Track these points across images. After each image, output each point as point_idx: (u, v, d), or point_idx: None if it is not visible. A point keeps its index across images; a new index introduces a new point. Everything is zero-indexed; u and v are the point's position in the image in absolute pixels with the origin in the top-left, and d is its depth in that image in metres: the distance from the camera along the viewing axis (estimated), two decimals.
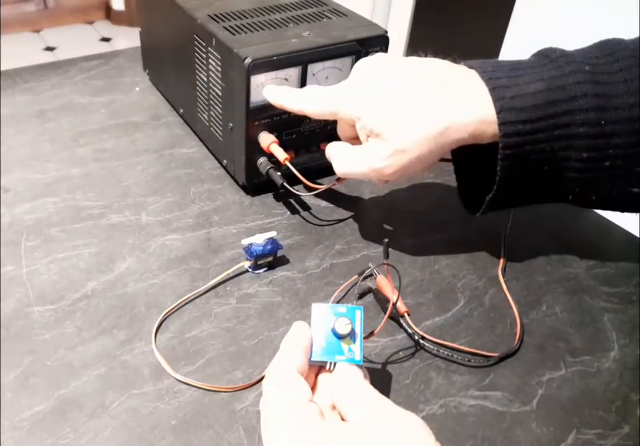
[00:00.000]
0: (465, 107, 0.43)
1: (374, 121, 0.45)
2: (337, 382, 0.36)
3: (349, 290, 0.51)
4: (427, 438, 0.32)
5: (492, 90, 0.42)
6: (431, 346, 0.46)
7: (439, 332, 0.47)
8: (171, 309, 0.48)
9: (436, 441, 0.32)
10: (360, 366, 0.37)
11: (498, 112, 0.42)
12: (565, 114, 0.41)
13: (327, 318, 0.38)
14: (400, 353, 0.46)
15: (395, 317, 0.48)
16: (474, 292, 0.51)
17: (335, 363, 0.37)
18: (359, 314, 0.38)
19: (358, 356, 0.37)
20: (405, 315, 0.47)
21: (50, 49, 2.82)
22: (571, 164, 0.43)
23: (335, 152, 0.51)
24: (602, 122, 0.41)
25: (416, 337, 0.46)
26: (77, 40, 2.91)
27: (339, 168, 0.50)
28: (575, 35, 1.05)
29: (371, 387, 0.35)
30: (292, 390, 0.34)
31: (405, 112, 0.44)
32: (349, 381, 0.35)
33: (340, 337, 0.37)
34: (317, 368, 0.38)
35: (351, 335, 0.37)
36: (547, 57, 0.44)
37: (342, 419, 0.34)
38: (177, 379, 0.43)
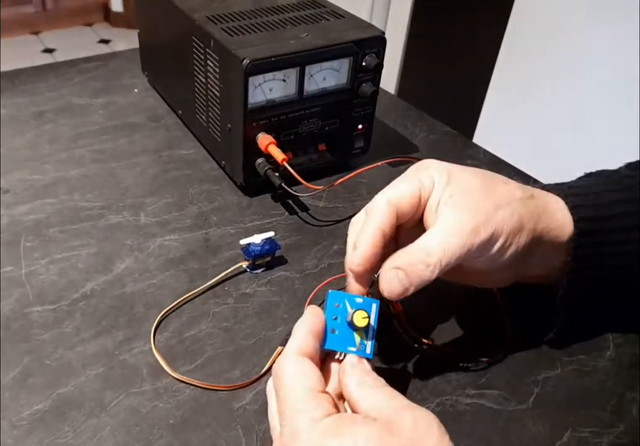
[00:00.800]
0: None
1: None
2: (348, 373, 0.35)
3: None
4: (438, 431, 0.32)
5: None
6: (423, 347, 0.46)
7: (432, 332, 0.48)
8: (170, 309, 0.48)
9: (446, 433, 0.32)
10: (369, 361, 0.37)
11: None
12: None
13: (343, 307, 0.37)
14: (397, 351, 0.46)
15: (390, 316, 0.48)
16: (468, 291, 0.51)
17: (345, 354, 0.37)
18: (374, 307, 0.38)
19: (369, 350, 0.37)
20: (401, 314, 0.47)
21: (49, 51, 2.83)
22: None
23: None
24: None
25: (405, 337, 0.46)
26: (76, 42, 2.91)
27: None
28: (575, 35, 1.06)
29: (382, 380, 0.35)
30: (308, 377, 0.34)
31: None
32: (360, 373, 0.35)
33: (354, 329, 0.37)
34: (325, 353, 0.38)
35: (365, 329, 0.37)
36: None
37: (353, 410, 0.34)
38: (176, 378, 0.43)
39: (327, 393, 0.34)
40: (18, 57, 2.49)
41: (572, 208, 0.42)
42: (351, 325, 0.37)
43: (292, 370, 0.34)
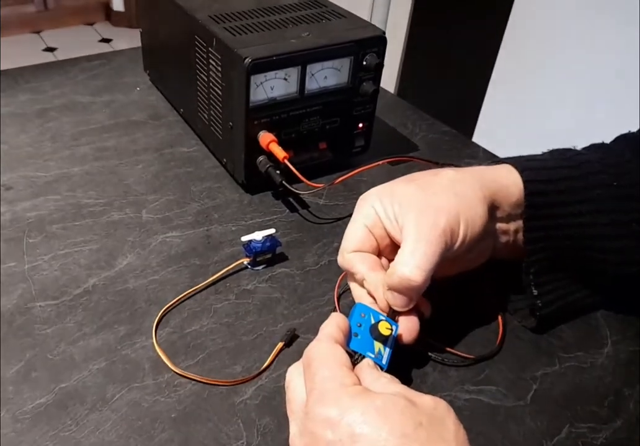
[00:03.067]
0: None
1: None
2: (365, 371, 0.37)
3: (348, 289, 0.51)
4: (454, 416, 0.33)
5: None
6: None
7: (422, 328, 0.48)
8: (171, 305, 0.49)
9: (460, 422, 0.33)
10: (383, 371, 0.38)
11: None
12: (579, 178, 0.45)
13: (368, 318, 0.40)
14: (397, 348, 0.46)
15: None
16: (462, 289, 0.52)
17: (362, 357, 0.38)
18: (395, 328, 0.41)
19: (385, 361, 0.39)
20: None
21: (50, 49, 2.83)
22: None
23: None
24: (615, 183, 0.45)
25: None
26: (77, 41, 2.92)
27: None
28: (575, 34, 1.06)
29: (397, 380, 0.36)
30: (339, 357, 0.36)
31: None
32: (376, 372, 0.37)
33: (375, 337, 0.39)
34: None
35: (385, 340, 0.40)
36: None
37: None
38: (177, 373, 0.43)
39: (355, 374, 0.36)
40: (19, 55, 2.49)
41: (525, 182, 0.44)
42: (374, 332, 0.39)
43: (325, 350, 0.36)
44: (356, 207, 0.45)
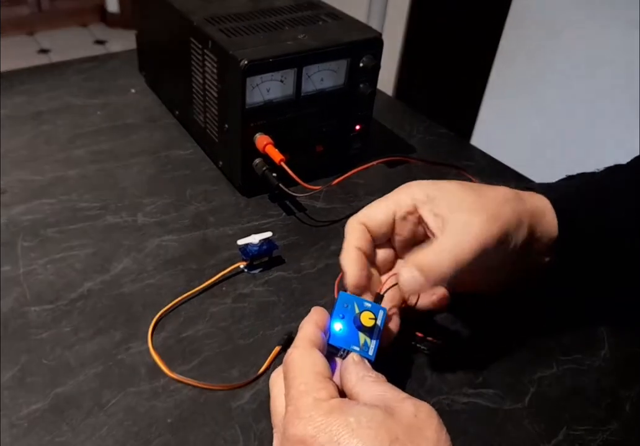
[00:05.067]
0: None
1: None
2: (350, 369, 0.36)
3: None
4: (437, 421, 0.32)
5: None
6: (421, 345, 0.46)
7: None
8: (167, 309, 0.48)
9: (444, 426, 0.32)
10: (370, 363, 0.38)
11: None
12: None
13: (352, 308, 0.39)
14: (395, 351, 0.46)
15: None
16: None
17: (348, 351, 0.38)
18: (381, 314, 0.39)
19: (372, 352, 0.38)
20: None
21: (44, 51, 2.82)
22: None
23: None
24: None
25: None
26: (72, 42, 2.91)
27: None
28: (572, 37, 1.06)
29: (383, 376, 0.36)
30: (316, 364, 0.35)
31: None
32: (362, 370, 0.36)
33: (360, 329, 0.38)
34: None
35: (370, 331, 0.38)
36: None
37: None
38: (173, 378, 0.43)
39: (333, 381, 0.35)
40: (13, 57, 2.48)
41: (558, 211, 0.44)
42: (358, 324, 0.38)
43: (301, 357, 0.35)
44: (395, 190, 0.44)
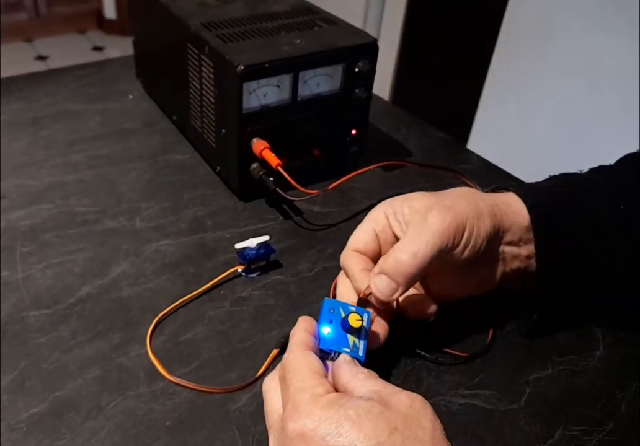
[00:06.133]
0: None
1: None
2: (342, 367, 0.37)
3: None
4: (431, 413, 0.33)
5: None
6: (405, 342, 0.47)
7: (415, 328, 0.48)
8: (165, 313, 0.49)
9: (438, 418, 0.33)
10: (361, 363, 0.38)
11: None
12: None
13: (337, 312, 0.40)
14: (392, 353, 0.47)
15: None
16: None
17: (339, 353, 0.38)
18: (366, 316, 0.40)
19: (361, 353, 0.39)
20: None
21: (42, 58, 2.83)
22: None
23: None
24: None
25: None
26: (69, 49, 2.92)
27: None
28: (567, 41, 1.07)
29: (375, 373, 0.37)
30: (312, 364, 0.36)
31: None
32: (354, 367, 0.37)
33: (348, 331, 0.39)
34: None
35: (358, 332, 0.39)
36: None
37: None
38: (172, 381, 0.43)
39: (328, 380, 0.36)
40: (11, 63, 2.49)
41: (529, 208, 0.45)
42: (345, 326, 0.39)
43: (297, 359, 0.36)
44: (371, 210, 0.47)
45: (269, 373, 0.44)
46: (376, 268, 0.42)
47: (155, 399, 0.42)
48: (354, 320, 0.39)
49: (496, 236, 0.44)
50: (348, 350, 0.38)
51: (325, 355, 0.39)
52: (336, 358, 0.38)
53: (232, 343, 0.47)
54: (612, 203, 0.46)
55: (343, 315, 0.40)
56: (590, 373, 0.46)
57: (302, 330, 0.39)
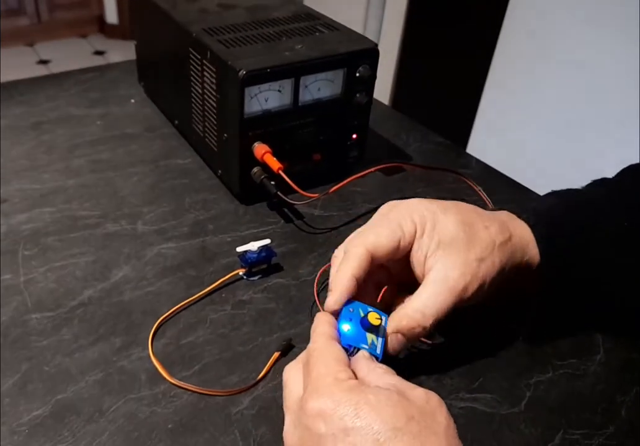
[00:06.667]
0: None
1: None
2: (361, 362, 0.38)
3: None
4: (446, 410, 0.34)
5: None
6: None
7: None
8: (167, 316, 0.49)
9: (451, 416, 0.34)
10: (378, 360, 0.40)
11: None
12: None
13: (357, 312, 0.41)
14: (392, 357, 0.47)
15: None
16: None
17: (357, 350, 0.39)
18: (384, 318, 0.42)
19: (379, 350, 0.40)
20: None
21: (44, 62, 2.84)
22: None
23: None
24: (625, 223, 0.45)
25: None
26: (71, 53, 2.93)
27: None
28: (567, 46, 1.07)
29: (393, 370, 0.38)
30: (337, 352, 0.37)
31: None
32: (372, 363, 0.38)
33: (367, 329, 0.40)
34: None
35: (377, 331, 0.41)
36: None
37: None
38: (174, 384, 0.44)
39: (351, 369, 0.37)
40: (13, 68, 2.50)
41: (539, 239, 0.45)
42: (365, 324, 0.40)
43: (322, 347, 0.37)
44: (400, 208, 0.44)
45: (270, 376, 0.45)
46: (394, 323, 0.41)
47: (156, 402, 0.43)
48: (373, 318, 0.40)
49: (509, 279, 0.44)
50: (366, 346, 0.39)
51: (344, 351, 0.39)
52: (355, 354, 0.39)
53: (234, 346, 0.47)
54: (613, 217, 0.46)
55: (362, 314, 0.40)
56: (590, 377, 0.46)
57: (325, 323, 0.39)
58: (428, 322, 0.40)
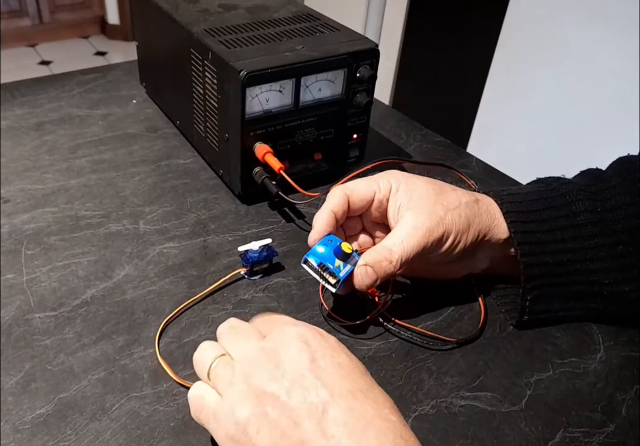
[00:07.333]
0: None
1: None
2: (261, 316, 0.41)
3: None
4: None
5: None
6: (394, 328, 0.48)
7: (407, 315, 0.50)
8: (172, 316, 0.49)
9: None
10: (338, 281, 0.45)
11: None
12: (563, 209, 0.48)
13: (334, 242, 0.46)
14: (393, 355, 0.47)
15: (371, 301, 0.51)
16: (446, 284, 0.53)
17: (325, 267, 0.46)
18: (355, 255, 0.47)
19: (342, 274, 0.45)
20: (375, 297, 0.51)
21: (45, 63, 2.85)
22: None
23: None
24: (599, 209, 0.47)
25: (381, 319, 0.49)
26: (73, 54, 2.93)
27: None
28: (567, 45, 1.08)
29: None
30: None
31: None
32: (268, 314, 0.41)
33: (338, 255, 0.45)
34: None
35: (346, 259, 0.46)
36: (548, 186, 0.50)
37: None
38: (178, 382, 0.44)
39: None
40: (15, 69, 2.50)
41: (505, 213, 0.48)
42: (337, 251, 0.45)
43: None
44: (379, 174, 0.50)
45: None
46: (362, 259, 0.46)
47: (159, 400, 0.43)
48: (346, 247, 0.45)
49: (475, 245, 0.48)
50: (332, 267, 0.45)
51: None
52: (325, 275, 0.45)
53: None
54: (589, 206, 0.47)
55: (337, 244, 0.46)
56: (590, 375, 0.46)
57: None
58: (394, 256, 0.45)
